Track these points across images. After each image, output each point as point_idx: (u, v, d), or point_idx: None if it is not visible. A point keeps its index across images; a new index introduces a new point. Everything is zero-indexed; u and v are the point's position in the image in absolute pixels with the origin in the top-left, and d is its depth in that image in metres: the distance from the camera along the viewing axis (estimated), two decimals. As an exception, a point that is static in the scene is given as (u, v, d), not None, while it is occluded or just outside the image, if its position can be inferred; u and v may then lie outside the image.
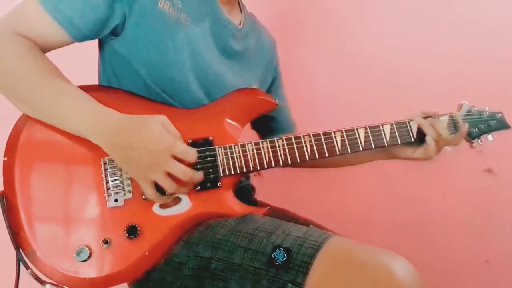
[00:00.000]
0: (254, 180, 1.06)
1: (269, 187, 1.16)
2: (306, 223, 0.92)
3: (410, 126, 0.90)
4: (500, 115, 0.98)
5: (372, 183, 1.38)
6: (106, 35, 0.82)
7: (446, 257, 1.35)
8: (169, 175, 0.71)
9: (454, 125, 0.94)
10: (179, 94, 0.85)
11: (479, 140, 0.96)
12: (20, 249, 0.71)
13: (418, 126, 0.90)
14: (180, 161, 0.72)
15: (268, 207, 0.84)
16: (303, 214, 1.00)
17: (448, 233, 1.35)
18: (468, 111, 0.96)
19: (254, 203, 1.01)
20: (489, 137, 0.97)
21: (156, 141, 0.70)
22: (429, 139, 0.89)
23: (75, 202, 0.74)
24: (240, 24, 0.96)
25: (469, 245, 1.34)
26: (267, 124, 1.07)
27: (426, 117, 0.91)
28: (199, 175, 0.75)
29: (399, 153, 0.94)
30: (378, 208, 1.40)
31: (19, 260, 0.71)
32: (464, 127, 0.93)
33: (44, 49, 0.78)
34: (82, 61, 1.01)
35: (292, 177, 1.11)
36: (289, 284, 0.64)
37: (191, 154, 0.73)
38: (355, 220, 1.40)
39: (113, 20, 0.79)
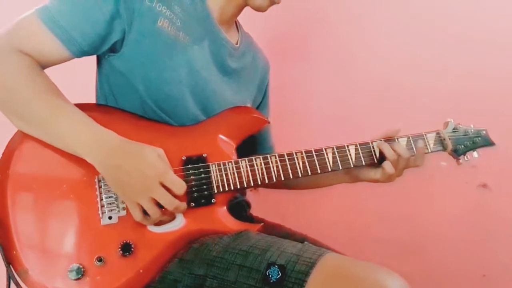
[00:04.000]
0: (250, 195, 1.07)
1: (265, 203, 1.17)
2: (302, 238, 0.93)
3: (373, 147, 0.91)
4: (484, 132, 1.01)
5: (368, 199, 1.38)
6: (105, 51, 0.82)
7: (442, 272, 1.36)
8: (155, 202, 0.72)
9: (441, 142, 0.96)
10: (175, 110, 0.86)
11: (465, 157, 0.99)
12: (12, 268, 0.70)
13: (379, 146, 0.90)
14: (168, 190, 0.72)
15: (262, 224, 0.85)
16: (299, 229, 1.00)
17: (444, 248, 1.36)
18: (454, 129, 0.99)
19: (249, 218, 1.01)
20: (475, 153, 0.99)
21: (149, 166, 0.71)
22: (386, 162, 0.88)
23: (69, 220, 0.74)
24: (237, 43, 0.98)
25: (465, 260, 1.34)
26: (247, 145, 1.08)
27: (386, 139, 0.91)
28: (183, 206, 0.76)
29: (362, 175, 0.93)
30: (374, 224, 1.41)
31: (10, 278, 0.70)
32: (421, 149, 0.91)
33: (44, 65, 0.78)
34: (80, 78, 1.01)
35: (287, 193, 1.11)
36: (284, 302, 0.64)
37: (180, 186, 0.73)
38: (350, 235, 1.40)
39: (112, 37, 0.80)
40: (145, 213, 0.73)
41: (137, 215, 0.73)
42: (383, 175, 0.89)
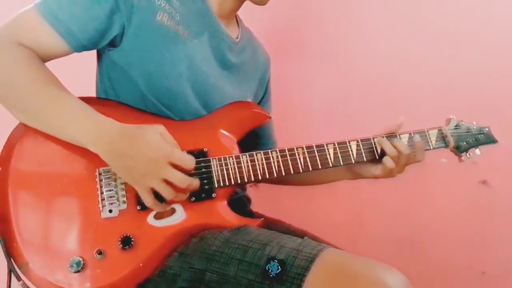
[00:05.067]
0: (250, 191, 1.07)
1: (265, 198, 1.17)
2: (302, 234, 0.93)
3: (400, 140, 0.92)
4: (487, 129, 1.00)
5: (368, 196, 1.38)
6: (105, 46, 0.82)
7: (442, 268, 1.36)
8: (167, 182, 0.71)
9: (443, 139, 0.96)
10: (176, 105, 0.86)
11: (467, 154, 0.98)
12: (12, 260, 0.70)
13: (379, 142, 0.89)
14: (178, 168, 0.72)
15: (263, 218, 0.85)
16: (299, 225, 1.00)
17: (443, 245, 1.36)
18: (456, 125, 0.98)
19: (249, 214, 1.01)
20: (477, 151, 0.99)
21: (154, 149, 0.70)
22: (386, 157, 0.88)
23: (69, 213, 0.74)
24: (237, 38, 0.97)
25: (465, 257, 1.34)
26: (249, 140, 1.08)
27: (387, 135, 0.91)
28: (196, 182, 0.75)
29: (363, 172, 0.93)
30: (374, 220, 1.41)
31: (11, 271, 0.70)
32: (418, 143, 0.90)
33: (44, 59, 0.78)
34: (80, 73, 1.01)
35: (287, 189, 1.11)
36: (283, 296, 0.64)
37: (189, 161, 0.73)
38: (350, 231, 1.40)
39: (112, 31, 0.80)
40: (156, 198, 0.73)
41: (149, 200, 0.72)
42: (383, 170, 0.89)
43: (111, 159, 0.72)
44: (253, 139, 1.06)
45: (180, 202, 0.78)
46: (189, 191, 0.76)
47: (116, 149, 0.71)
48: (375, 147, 0.90)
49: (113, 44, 0.82)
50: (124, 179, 0.75)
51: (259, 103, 1.09)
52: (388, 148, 0.88)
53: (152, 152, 0.70)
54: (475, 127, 0.99)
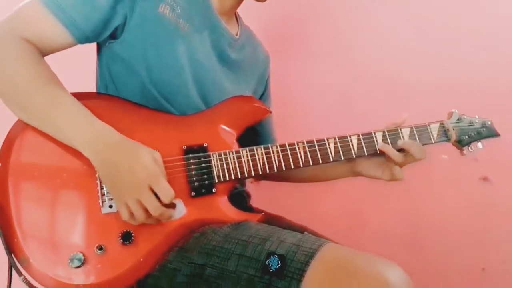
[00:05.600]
0: (250, 186, 1.06)
1: (265, 194, 1.17)
2: (302, 230, 0.92)
3: (402, 134, 0.91)
4: (489, 122, 0.99)
5: (368, 191, 1.37)
6: (106, 38, 0.82)
7: (442, 265, 1.36)
8: (141, 205, 0.71)
9: (444, 133, 0.95)
10: (177, 98, 0.85)
11: (469, 148, 0.98)
12: (13, 256, 0.71)
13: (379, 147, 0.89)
14: (157, 196, 0.71)
15: (263, 213, 0.85)
16: (299, 221, 1.00)
17: (444, 241, 1.36)
18: (458, 119, 0.98)
19: (249, 209, 1.01)
20: (479, 144, 0.98)
21: (142, 168, 0.71)
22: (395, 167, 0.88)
23: (69, 208, 0.74)
24: (237, 35, 0.97)
25: (465, 253, 1.34)
26: (249, 137, 1.08)
27: (389, 131, 0.90)
28: (168, 214, 0.74)
29: (366, 172, 0.93)
30: (374, 216, 1.41)
31: (12, 266, 0.70)
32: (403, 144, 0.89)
33: (46, 52, 0.78)
34: (80, 67, 1.01)
35: (288, 184, 1.11)
36: (283, 291, 0.64)
37: (168, 194, 0.72)
38: (351, 227, 1.40)
39: (114, 21, 0.80)
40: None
41: (124, 214, 0.72)
42: (390, 177, 0.90)
43: (99, 165, 0.72)
44: (253, 137, 1.06)
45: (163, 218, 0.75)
46: (159, 220, 0.75)
47: (106, 157, 0.72)
48: (377, 141, 0.90)
49: (114, 35, 0.82)
50: (105, 185, 0.74)
51: None
52: (392, 153, 0.87)
53: (139, 171, 0.70)
54: (477, 121, 0.99)
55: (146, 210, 0.71)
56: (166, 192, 0.72)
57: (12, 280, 0.72)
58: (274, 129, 1.13)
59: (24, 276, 0.70)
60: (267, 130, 1.10)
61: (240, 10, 1.01)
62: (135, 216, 0.72)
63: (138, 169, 0.71)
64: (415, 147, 0.88)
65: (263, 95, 1.11)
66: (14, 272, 0.70)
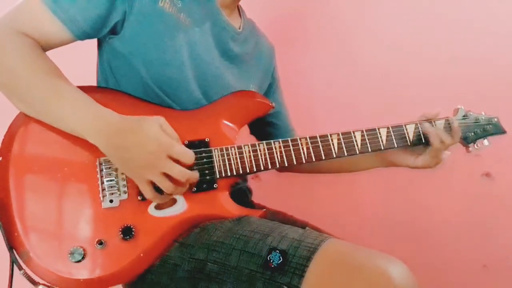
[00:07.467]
0: (251, 182, 1.06)
1: (267, 190, 1.16)
2: (303, 225, 0.91)
3: (406, 130, 0.90)
4: (496, 119, 0.98)
5: (370, 187, 1.37)
6: (105, 33, 0.82)
7: (443, 261, 1.35)
8: (166, 175, 0.70)
9: (449, 129, 0.94)
10: (177, 93, 0.85)
11: (475, 145, 0.96)
12: (14, 250, 0.70)
13: (424, 132, 0.90)
14: (177, 162, 0.71)
15: (265, 209, 0.84)
16: (300, 216, 1.00)
17: (446, 237, 1.35)
18: (464, 116, 0.97)
19: (251, 205, 1.00)
20: (485, 141, 0.97)
21: (153, 142, 0.69)
22: (434, 148, 0.89)
23: (70, 203, 0.74)
24: (239, 28, 0.96)
25: (467, 250, 1.33)
26: (265, 129, 1.07)
27: (424, 121, 0.90)
28: (195, 175, 0.74)
29: (398, 160, 0.93)
30: (376, 212, 1.40)
31: (13, 260, 0.70)
32: (458, 133, 0.92)
33: (46, 48, 0.78)
34: (81, 62, 1.01)
35: (289, 180, 1.10)
36: (285, 287, 0.64)
37: (188, 156, 0.72)
38: (352, 222, 1.39)
39: (113, 17, 0.79)
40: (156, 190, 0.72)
41: (148, 193, 0.71)
42: (427, 161, 0.90)
43: (109, 151, 0.72)
44: (268, 128, 1.06)
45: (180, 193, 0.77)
46: (188, 185, 0.75)
47: (114, 141, 0.71)
48: (407, 133, 0.90)
49: (114, 31, 0.82)
50: (122, 171, 0.74)
51: (266, 93, 1.07)
52: (436, 139, 0.88)
53: (151, 145, 0.69)
54: (483, 117, 0.97)
55: (172, 180, 0.70)
56: (186, 155, 0.71)
57: (14, 276, 0.71)
58: (289, 119, 1.12)
59: (25, 270, 0.70)
60: (284, 122, 1.10)
61: (243, 4, 1.00)
62: (164, 189, 0.71)
63: (150, 144, 0.69)
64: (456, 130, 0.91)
65: (272, 88, 1.10)
66: (15, 267, 0.70)
